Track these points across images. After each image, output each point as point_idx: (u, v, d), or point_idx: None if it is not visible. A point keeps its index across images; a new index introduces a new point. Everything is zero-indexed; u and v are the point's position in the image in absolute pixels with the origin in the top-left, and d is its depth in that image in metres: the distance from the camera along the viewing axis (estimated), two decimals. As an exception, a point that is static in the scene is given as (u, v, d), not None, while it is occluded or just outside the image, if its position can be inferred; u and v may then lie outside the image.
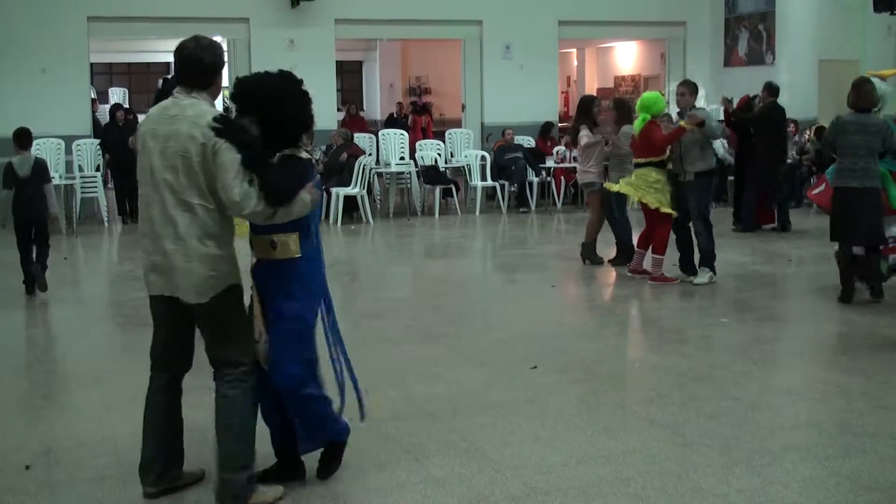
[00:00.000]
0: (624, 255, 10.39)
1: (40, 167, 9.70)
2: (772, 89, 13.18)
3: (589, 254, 10.79)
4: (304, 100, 4.45)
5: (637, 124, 9.61)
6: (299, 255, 4.44)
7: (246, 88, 4.40)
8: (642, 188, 9.48)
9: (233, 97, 4.42)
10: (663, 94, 9.72)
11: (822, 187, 9.31)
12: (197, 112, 4.27)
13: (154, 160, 4.30)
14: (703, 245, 9.53)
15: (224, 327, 4.43)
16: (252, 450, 4.49)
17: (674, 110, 11.68)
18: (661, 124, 9.73)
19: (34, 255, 9.55)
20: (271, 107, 4.32)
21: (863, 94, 8.51)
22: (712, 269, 9.56)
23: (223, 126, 4.21)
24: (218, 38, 22.69)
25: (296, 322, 4.49)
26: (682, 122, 9.29)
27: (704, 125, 9.21)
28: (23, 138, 9.70)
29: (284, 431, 4.67)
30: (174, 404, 4.67)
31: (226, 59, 4.63)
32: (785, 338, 7.80)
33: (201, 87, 4.39)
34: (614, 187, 9.89)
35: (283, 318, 4.46)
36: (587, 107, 11.02)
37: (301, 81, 4.46)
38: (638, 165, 9.59)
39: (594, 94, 20.77)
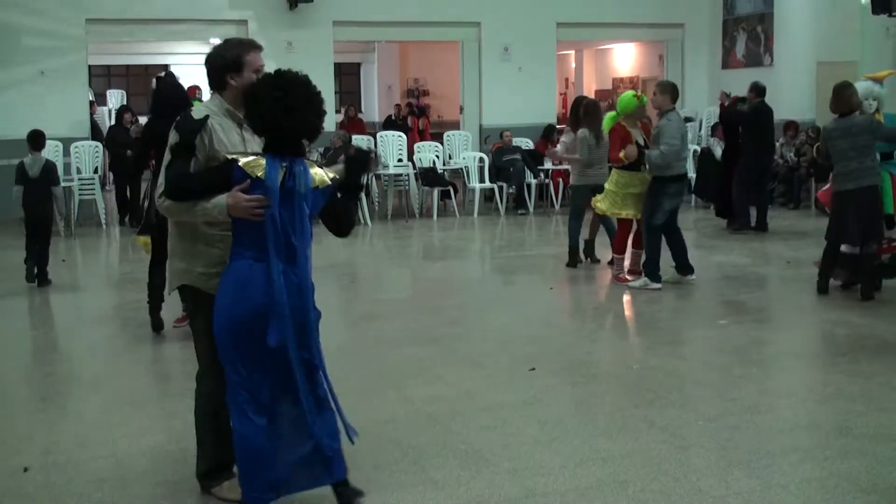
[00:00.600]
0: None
1: (49, 169, 10.37)
2: (758, 89, 13.26)
3: (588, 251, 10.93)
4: (276, 101, 4.13)
5: (605, 123, 9.68)
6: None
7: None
8: (610, 197, 9.64)
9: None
10: (639, 95, 9.69)
11: (827, 185, 9.40)
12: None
13: None
14: (647, 251, 9.52)
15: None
16: (203, 446, 4.57)
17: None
18: (628, 126, 9.60)
19: (38, 253, 10.16)
20: (247, 106, 4.26)
21: (842, 99, 8.63)
22: (651, 276, 9.44)
23: (179, 119, 4.33)
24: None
25: (217, 333, 4.27)
26: (621, 153, 9.35)
27: (645, 156, 9.27)
28: (36, 140, 10.41)
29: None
30: None
31: (244, 57, 4.39)
32: (783, 340, 7.79)
33: (214, 89, 4.46)
34: (598, 207, 9.90)
35: None
36: (596, 111, 10.80)
37: (276, 83, 4.18)
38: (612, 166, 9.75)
39: (593, 95, 20.81)
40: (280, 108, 4.10)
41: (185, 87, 7.51)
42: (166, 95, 7.94)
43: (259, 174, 4.08)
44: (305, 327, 4.20)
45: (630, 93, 9.89)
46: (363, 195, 14.58)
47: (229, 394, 4.22)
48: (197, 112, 4.37)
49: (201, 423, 4.56)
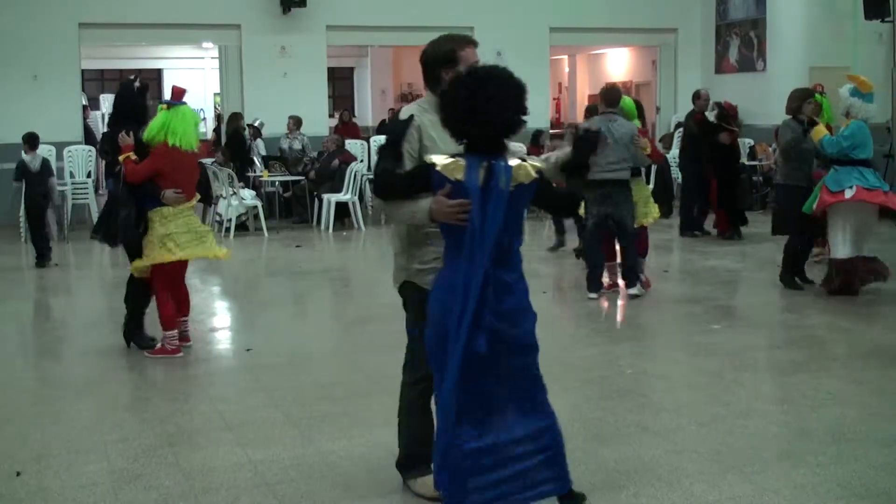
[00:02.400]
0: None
1: (47, 163, 12.31)
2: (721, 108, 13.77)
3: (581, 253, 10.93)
4: (466, 101, 3.98)
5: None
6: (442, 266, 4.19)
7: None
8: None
9: None
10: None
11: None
12: None
13: None
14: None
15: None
16: (402, 437, 4.65)
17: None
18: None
19: (31, 236, 11.71)
20: (442, 109, 4.13)
21: (805, 110, 9.45)
22: (588, 284, 9.47)
23: (387, 122, 4.39)
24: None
25: (427, 337, 4.21)
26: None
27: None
28: (32, 140, 12.10)
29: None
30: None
31: (458, 52, 4.37)
32: (776, 345, 7.80)
33: (428, 83, 4.49)
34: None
35: None
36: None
37: (466, 82, 4.04)
38: None
39: (587, 101, 20.82)
40: (469, 107, 3.96)
41: (173, 87, 7.34)
42: (118, 105, 7.88)
43: (458, 177, 3.97)
44: (516, 334, 4.08)
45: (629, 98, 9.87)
46: (356, 200, 14.64)
47: (437, 398, 4.17)
48: (403, 112, 4.40)
49: (400, 414, 4.67)
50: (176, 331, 7.35)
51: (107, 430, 5.69)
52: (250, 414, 6.03)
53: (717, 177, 13.09)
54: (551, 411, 4.26)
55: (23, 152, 12.10)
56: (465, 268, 3.94)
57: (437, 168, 4.01)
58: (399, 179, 4.17)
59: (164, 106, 7.16)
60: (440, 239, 4.20)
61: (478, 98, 3.95)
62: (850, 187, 8.83)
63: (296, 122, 16.02)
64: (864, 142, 8.90)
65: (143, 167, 7.10)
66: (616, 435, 5.46)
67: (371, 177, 16.08)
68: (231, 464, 5.14)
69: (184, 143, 7.09)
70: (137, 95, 7.59)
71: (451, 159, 4.02)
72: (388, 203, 4.21)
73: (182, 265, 7.47)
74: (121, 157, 7.23)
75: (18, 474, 5.01)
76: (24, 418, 6.07)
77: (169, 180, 7.09)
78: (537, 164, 4.14)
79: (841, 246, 9.05)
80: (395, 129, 4.34)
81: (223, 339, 8.04)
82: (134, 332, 7.62)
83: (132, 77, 7.93)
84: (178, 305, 7.49)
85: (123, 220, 7.22)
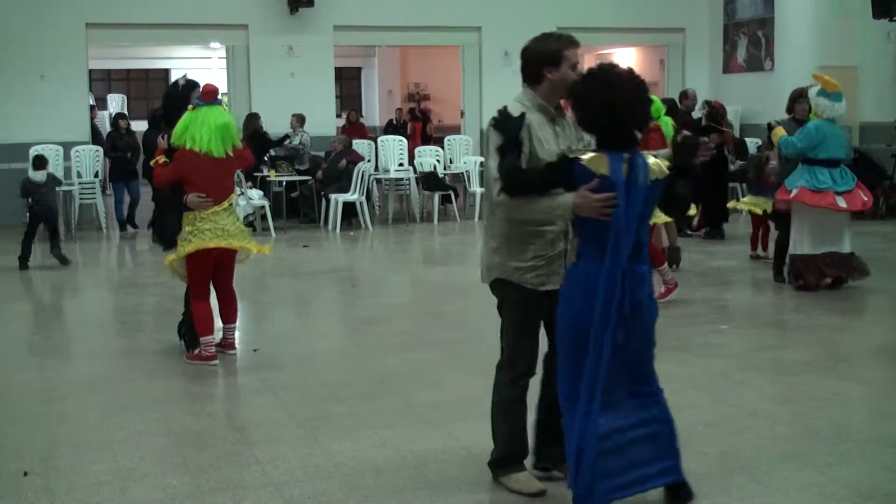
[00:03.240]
0: None
1: (53, 173, 12.06)
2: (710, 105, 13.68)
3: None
4: (606, 98, 4.09)
5: (667, 131, 9.44)
6: (574, 262, 4.26)
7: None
8: None
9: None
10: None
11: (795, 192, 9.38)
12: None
13: None
14: None
15: (500, 315, 4.64)
16: (498, 435, 4.67)
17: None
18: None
19: (50, 246, 11.43)
20: (575, 106, 4.24)
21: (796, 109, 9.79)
22: None
23: (497, 116, 4.31)
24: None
25: (560, 331, 4.28)
26: None
27: None
28: (41, 163, 11.76)
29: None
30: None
31: (563, 52, 4.39)
32: (783, 345, 7.77)
33: (526, 81, 4.51)
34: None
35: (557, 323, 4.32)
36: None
37: (604, 79, 4.13)
38: None
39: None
40: (609, 103, 4.06)
41: (204, 86, 7.23)
42: (163, 106, 7.79)
43: (604, 171, 4.04)
44: (645, 323, 4.22)
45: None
46: (363, 200, 14.63)
47: (565, 391, 4.23)
48: (514, 109, 4.38)
49: (493, 412, 4.70)
50: (211, 336, 7.14)
51: (113, 430, 5.69)
52: (257, 414, 6.03)
53: (703, 176, 13.00)
54: (664, 399, 4.37)
55: (30, 170, 11.83)
56: (608, 262, 4.03)
57: (583, 163, 4.06)
58: (533, 175, 4.20)
59: (192, 107, 7.01)
60: (541, 238, 4.34)
61: (617, 94, 4.06)
62: (796, 187, 9.10)
63: (299, 120, 15.98)
64: (821, 142, 8.98)
65: (167, 171, 7.04)
66: (623, 435, 5.44)
67: (378, 177, 16.24)
68: (238, 463, 5.14)
69: (203, 148, 6.88)
70: (181, 97, 7.40)
71: (593, 153, 4.10)
72: (521, 199, 4.20)
73: (219, 267, 7.15)
74: (152, 162, 7.20)
75: (26, 474, 5.01)
76: (30, 418, 6.07)
77: (192, 185, 6.92)
78: (666, 162, 4.25)
79: (799, 243, 9.26)
80: (509, 125, 4.29)
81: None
82: (188, 331, 7.39)
83: (180, 78, 7.85)
84: (223, 312, 7.38)
85: (169, 224, 7.24)
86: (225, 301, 7.40)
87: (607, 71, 4.16)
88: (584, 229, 4.15)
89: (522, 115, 4.31)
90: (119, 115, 16.43)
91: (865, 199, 9.24)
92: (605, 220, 4.02)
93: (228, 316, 7.42)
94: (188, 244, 6.97)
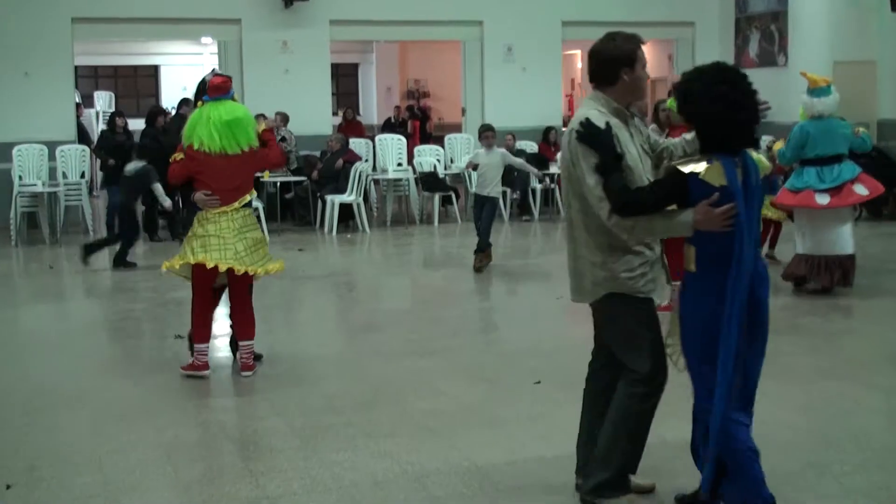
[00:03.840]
0: None
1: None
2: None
3: None
4: (726, 96, 4.04)
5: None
6: (692, 270, 4.18)
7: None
8: None
9: None
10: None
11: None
12: (577, 115, 4.30)
13: None
14: None
15: (609, 331, 4.53)
16: (617, 452, 4.45)
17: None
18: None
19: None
20: (684, 109, 4.20)
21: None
22: None
23: (583, 129, 4.19)
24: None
25: (690, 339, 4.21)
26: None
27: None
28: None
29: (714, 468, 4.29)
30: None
31: (637, 52, 4.35)
32: (800, 352, 7.52)
33: (598, 83, 4.41)
34: None
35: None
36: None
37: (721, 77, 4.10)
38: None
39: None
40: (732, 103, 4.03)
41: (212, 79, 6.99)
42: (194, 101, 7.51)
43: (722, 182, 3.99)
44: (765, 317, 4.19)
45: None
46: (361, 201, 14.28)
47: (702, 401, 4.20)
48: (597, 119, 4.25)
49: (615, 428, 4.47)
50: (206, 345, 6.95)
51: (102, 441, 5.63)
52: (252, 424, 6.00)
53: None
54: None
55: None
56: (734, 268, 4.00)
57: (700, 176, 4.01)
58: (646, 195, 4.14)
59: (200, 103, 6.87)
60: (643, 245, 4.32)
61: (741, 92, 4.06)
62: (780, 188, 9.51)
63: (283, 119, 15.64)
64: (804, 142, 9.05)
65: (178, 169, 6.94)
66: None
67: (376, 177, 15.87)
68: (232, 476, 5.10)
69: (208, 147, 6.73)
70: (198, 93, 7.26)
71: (703, 164, 4.04)
72: (635, 219, 4.14)
73: (229, 273, 6.75)
74: (171, 158, 7.08)
75: (9, 487, 4.95)
76: (14, 428, 5.97)
77: (201, 183, 6.80)
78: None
79: (800, 243, 9.34)
80: (603, 141, 4.18)
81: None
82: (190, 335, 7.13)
83: (207, 74, 7.54)
84: (233, 324, 7.14)
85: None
86: (235, 312, 7.09)
87: (727, 69, 4.14)
88: (706, 242, 4.09)
89: (609, 126, 4.22)
90: (115, 113, 16.00)
91: (864, 192, 9.11)
92: (728, 230, 3.98)
93: (240, 331, 7.08)
94: (181, 254, 6.84)
